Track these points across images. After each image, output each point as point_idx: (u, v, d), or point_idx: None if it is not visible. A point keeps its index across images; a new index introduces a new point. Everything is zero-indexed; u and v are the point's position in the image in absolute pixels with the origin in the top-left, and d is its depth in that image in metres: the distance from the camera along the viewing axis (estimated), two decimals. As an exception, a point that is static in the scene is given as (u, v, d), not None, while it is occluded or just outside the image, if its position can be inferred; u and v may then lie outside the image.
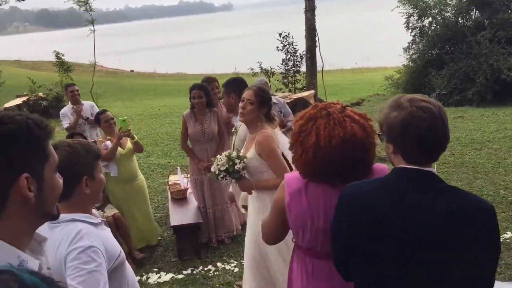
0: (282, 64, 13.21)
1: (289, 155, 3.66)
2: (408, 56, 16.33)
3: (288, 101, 9.35)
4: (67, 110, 6.74)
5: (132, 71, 41.68)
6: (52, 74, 24.83)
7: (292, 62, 13.04)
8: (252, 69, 13.61)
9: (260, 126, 3.40)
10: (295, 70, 13.15)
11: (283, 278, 3.01)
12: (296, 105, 10.39)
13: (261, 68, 13.41)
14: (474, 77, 13.44)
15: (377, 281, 1.62)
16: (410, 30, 16.08)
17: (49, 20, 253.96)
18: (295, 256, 2.17)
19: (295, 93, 12.51)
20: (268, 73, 13.28)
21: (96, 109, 6.82)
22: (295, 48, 12.94)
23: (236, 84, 4.49)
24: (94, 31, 19.00)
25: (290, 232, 2.11)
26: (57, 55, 15.91)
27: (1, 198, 1.18)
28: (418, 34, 16.01)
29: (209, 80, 5.53)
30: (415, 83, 15.34)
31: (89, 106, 6.80)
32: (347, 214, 1.67)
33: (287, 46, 12.90)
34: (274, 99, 5.85)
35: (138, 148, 5.01)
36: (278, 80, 13.28)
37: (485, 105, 12.95)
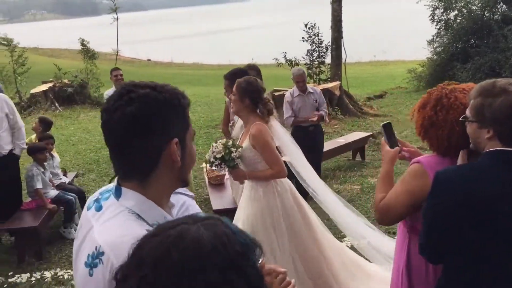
0: (306, 54, 13.20)
1: (287, 146, 3.74)
2: (432, 49, 16.22)
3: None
4: (112, 92, 6.84)
5: (149, 60, 41.78)
6: (70, 62, 25.10)
7: (317, 53, 13.01)
8: (276, 59, 13.62)
9: (251, 118, 3.46)
10: (319, 61, 13.12)
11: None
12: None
13: (286, 58, 13.40)
14: (500, 71, 13.32)
15: (472, 264, 1.69)
16: (435, 23, 15.96)
17: (65, 8, 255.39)
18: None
19: (319, 84, 12.50)
20: (293, 63, 13.27)
21: None
22: (320, 39, 12.91)
23: (237, 76, 4.46)
24: (117, 19, 19.21)
25: None
26: (82, 42, 16.04)
27: (154, 161, 1.26)
28: (443, 27, 15.88)
29: (251, 68, 5.62)
30: (438, 76, 15.22)
31: None
32: (450, 198, 1.72)
33: (313, 37, 12.86)
34: (310, 88, 6.09)
35: None
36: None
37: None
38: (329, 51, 12.97)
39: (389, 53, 30.15)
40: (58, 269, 4.67)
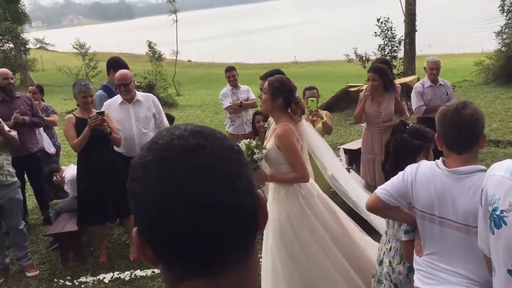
0: (378, 50, 13.17)
1: (318, 147, 3.59)
2: (501, 41, 15.87)
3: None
4: (227, 90, 7.04)
5: (189, 61, 42.29)
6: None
7: (390, 48, 12.96)
8: (347, 55, 13.63)
9: (281, 117, 3.37)
10: (392, 55, 13.06)
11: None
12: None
13: (356, 54, 13.40)
14: None
15: None
16: (505, 14, 15.61)
17: (101, 12, 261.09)
18: None
19: (393, 79, 12.45)
20: (363, 59, 13.26)
21: (252, 93, 7.08)
22: (393, 33, 12.86)
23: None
24: (176, 21, 19.60)
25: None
26: (149, 44, 16.44)
27: None
28: (513, 17, 15.54)
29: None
30: (508, 69, 14.93)
31: (245, 90, 7.07)
32: None
33: (385, 31, 12.82)
34: (441, 81, 6.05)
35: (327, 129, 5.10)
36: (373, 66, 13.23)
37: None
38: (402, 45, 12.91)
39: (434, 48, 29.59)
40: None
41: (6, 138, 4.64)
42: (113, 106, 5.18)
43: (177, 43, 20.08)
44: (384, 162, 2.65)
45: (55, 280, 4.72)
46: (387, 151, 2.61)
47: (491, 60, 16.20)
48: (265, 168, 3.48)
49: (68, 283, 4.65)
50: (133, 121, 5.14)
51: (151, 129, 5.25)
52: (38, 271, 4.91)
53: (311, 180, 3.50)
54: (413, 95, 6.06)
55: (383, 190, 2.26)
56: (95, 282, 4.63)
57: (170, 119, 6.41)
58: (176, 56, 20.58)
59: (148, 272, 4.73)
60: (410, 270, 2.47)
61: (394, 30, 12.93)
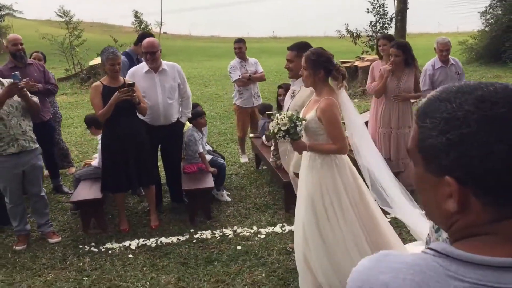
0: (369, 26, 13.30)
1: (355, 119, 3.57)
2: (485, 21, 16.23)
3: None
4: (236, 63, 7.01)
5: (165, 33, 41.69)
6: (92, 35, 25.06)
7: (381, 25, 13.10)
8: (339, 31, 13.71)
9: (325, 90, 3.41)
10: (383, 33, 13.20)
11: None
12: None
13: (347, 30, 13.50)
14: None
15: None
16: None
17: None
18: None
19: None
20: (354, 35, 13.37)
21: (260, 66, 7.09)
22: (385, 10, 12.99)
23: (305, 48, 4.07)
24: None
25: None
26: (136, 14, 16.11)
27: None
28: (498, -2, 15.88)
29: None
30: (493, 49, 15.32)
31: (254, 62, 7.07)
32: None
33: (377, 8, 12.93)
34: (452, 60, 5.97)
35: None
36: (363, 43, 13.37)
37: None
38: (393, 22, 13.06)
39: (414, 25, 29.93)
40: (235, 227, 4.97)
41: (29, 103, 4.58)
42: (138, 74, 5.15)
43: (161, 13, 19.75)
44: None
45: (80, 246, 4.75)
46: None
47: (474, 40, 16.59)
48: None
49: (94, 249, 4.68)
50: (159, 91, 5.14)
51: (175, 99, 5.26)
52: (60, 238, 4.92)
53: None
54: (422, 76, 6.00)
55: None
56: (122, 249, 4.67)
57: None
58: (160, 28, 20.26)
59: (174, 239, 4.81)
60: None
61: (386, 7, 13.05)
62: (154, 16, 20.36)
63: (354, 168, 3.53)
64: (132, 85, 4.68)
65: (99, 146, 5.43)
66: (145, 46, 5.09)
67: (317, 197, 3.43)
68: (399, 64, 5.30)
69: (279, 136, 3.35)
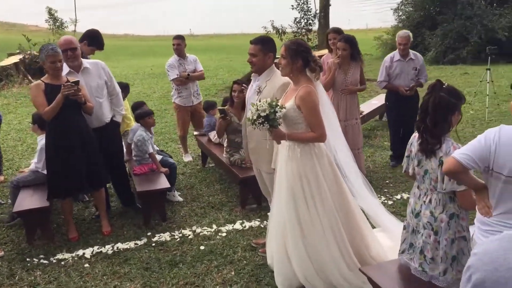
0: (294, 22, 13.56)
1: (328, 112, 3.60)
2: (398, 17, 17.16)
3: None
4: (174, 61, 6.79)
5: (74, 31, 39.98)
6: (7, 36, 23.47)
7: (305, 21, 13.40)
8: (265, 27, 13.85)
9: (302, 79, 3.46)
10: (307, 29, 13.53)
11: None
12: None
13: (273, 26, 13.68)
14: (468, 37, 14.50)
15: None
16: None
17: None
18: None
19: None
20: (279, 31, 13.59)
21: (199, 64, 6.93)
22: (309, 6, 13.30)
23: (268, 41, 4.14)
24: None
25: None
26: (49, 11, 15.22)
27: None
28: (409, -4, 16.85)
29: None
30: (407, 43, 16.22)
31: (193, 60, 6.89)
32: None
33: (302, 4, 13.22)
34: (412, 55, 6.05)
35: None
36: (288, 39, 13.62)
37: (479, 63, 14.06)
38: (317, 19, 13.42)
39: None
40: (194, 227, 4.85)
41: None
42: None
43: (75, 9, 18.84)
44: (422, 118, 2.81)
45: (28, 259, 4.38)
46: (425, 108, 2.78)
47: (388, 35, 17.49)
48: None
49: (44, 261, 4.34)
50: (86, 91, 4.80)
51: (105, 98, 4.96)
52: (3, 252, 4.52)
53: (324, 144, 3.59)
54: (381, 68, 6.20)
55: (463, 154, 2.36)
56: (75, 258, 4.38)
57: (123, 86, 6.13)
58: (75, 25, 19.31)
59: (131, 244, 4.59)
60: (452, 217, 2.74)
61: (310, 4, 13.38)
62: (67, 13, 19.35)
63: (331, 157, 3.58)
64: (76, 82, 4.39)
65: (38, 147, 5.07)
66: (62, 44, 4.69)
67: (298, 188, 3.46)
68: (346, 57, 5.43)
69: (259, 123, 3.33)
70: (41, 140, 5.05)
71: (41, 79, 4.57)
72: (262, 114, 3.29)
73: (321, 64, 3.52)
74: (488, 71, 8.83)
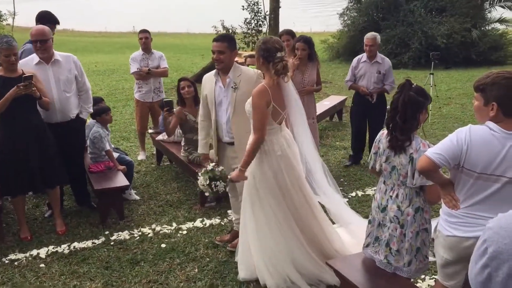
0: (244, 23, 13.62)
1: (295, 110, 3.68)
2: (343, 22, 17.63)
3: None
4: (137, 54, 6.67)
5: (8, 24, 38.28)
6: None
7: (256, 22, 13.50)
8: (215, 27, 13.82)
9: (266, 76, 3.54)
10: (257, 30, 13.63)
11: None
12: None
13: (223, 26, 13.69)
14: (409, 43, 15.14)
15: None
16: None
17: None
18: None
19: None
20: (229, 31, 13.61)
21: (165, 61, 6.83)
22: (259, 8, 13.41)
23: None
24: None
25: None
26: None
27: None
28: (355, 1, 17.34)
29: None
30: (352, 47, 16.70)
31: (158, 56, 6.78)
32: None
33: (252, 5, 13.31)
34: (379, 58, 6.14)
35: None
36: (239, 39, 13.68)
37: (419, 68, 14.71)
38: (267, 20, 13.55)
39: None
40: (153, 225, 4.79)
41: None
42: (28, 66, 4.64)
43: (14, 1, 18.02)
44: (392, 116, 2.94)
45: (-23, 261, 4.19)
46: (395, 106, 2.92)
47: (334, 39, 17.94)
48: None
49: (-5, 262, 4.16)
50: (53, 84, 4.69)
51: (73, 93, 4.84)
52: (-51, 254, 4.29)
53: (284, 142, 3.65)
54: (350, 67, 6.38)
55: (437, 154, 2.47)
56: (30, 258, 4.22)
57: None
58: (13, 19, 18.46)
59: (88, 243, 4.48)
60: (417, 211, 2.89)
61: (260, 5, 13.48)
62: (5, 6, 18.49)
63: (293, 152, 3.66)
64: (29, 78, 4.22)
65: None
66: (33, 34, 4.59)
67: (249, 183, 3.63)
68: (304, 58, 5.55)
69: (215, 186, 3.63)
70: None
71: (-6, 71, 4.36)
72: (206, 183, 3.62)
73: (279, 68, 3.47)
74: (431, 76, 9.26)
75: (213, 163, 3.83)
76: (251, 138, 3.56)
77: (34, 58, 4.68)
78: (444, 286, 2.68)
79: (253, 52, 7.23)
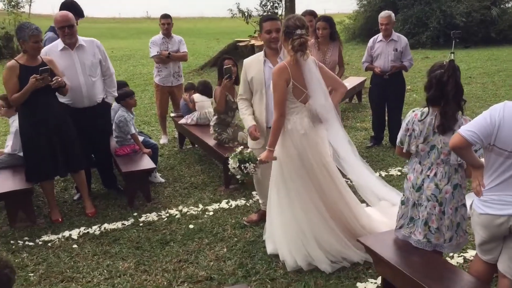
0: (260, 5, 13.54)
1: (315, 88, 3.58)
2: (359, 2, 17.44)
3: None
4: (157, 38, 6.71)
5: (23, 12, 38.60)
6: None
7: (271, 4, 13.42)
8: (231, 10, 13.76)
9: (287, 54, 3.55)
10: (272, 12, 13.54)
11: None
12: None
13: (239, 9, 13.63)
14: (427, 22, 14.93)
15: None
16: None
17: None
18: None
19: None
20: (245, 15, 13.56)
21: (184, 45, 6.87)
22: (275, -11, 13.32)
23: None
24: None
25: None
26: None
27: None
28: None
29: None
30: (369, 28, 16.53)
31: (178, 40, 6.82)
32: None
33: (268, -12, 13.22)
34: (395, 36, 6.11)
35: None
36: (255, 22, 13.62)
37: (438, 48, 14.55)
38: (283, 2, 13.45)
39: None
40: (180, 207, 4.87)
41: None
42: (53, 53, 4.70)
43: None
44: (437, 96, 2.82)
45: (12, 242, 4.30)
46: (442, 87, 2.78)
47: (350, 20, 17.77)
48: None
49: (29, 243, 4.27)
50: (79, 69, 4.75)
51: (98, 77, 4.89)
52: (-16, 236, 4.41)
53: (309, 121, 3.64)
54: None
55: (469, 131, 2.45)
56: (62, 240, 4.33)
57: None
58: (30, 6, 18.57)
59: (118, 224, 4.58)
60: (455, 188, 2.90)
61: (276, -13, 13.39)
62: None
63: (317, 131, 3.68)
64: (46, 71, 4.23)
65: (12, 129, 4.94)
66: (59, 21, 4.63)
67: (274, 164, 3.71)
68: (325, 37, 5.52)
69: (244, 167, 3.65)
70: (13, 121, 4.92)
71: (15, 59, 4.42)
72: (236, 165, 3.66)
73: (295, 44, 3.42)
74: (452, 54, 9.13)
75: (241, 146, 3.87)
76: (274, 120, 3.58)
77: (59, 44, 4.73)
78: (482, 260, 2.72)
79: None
